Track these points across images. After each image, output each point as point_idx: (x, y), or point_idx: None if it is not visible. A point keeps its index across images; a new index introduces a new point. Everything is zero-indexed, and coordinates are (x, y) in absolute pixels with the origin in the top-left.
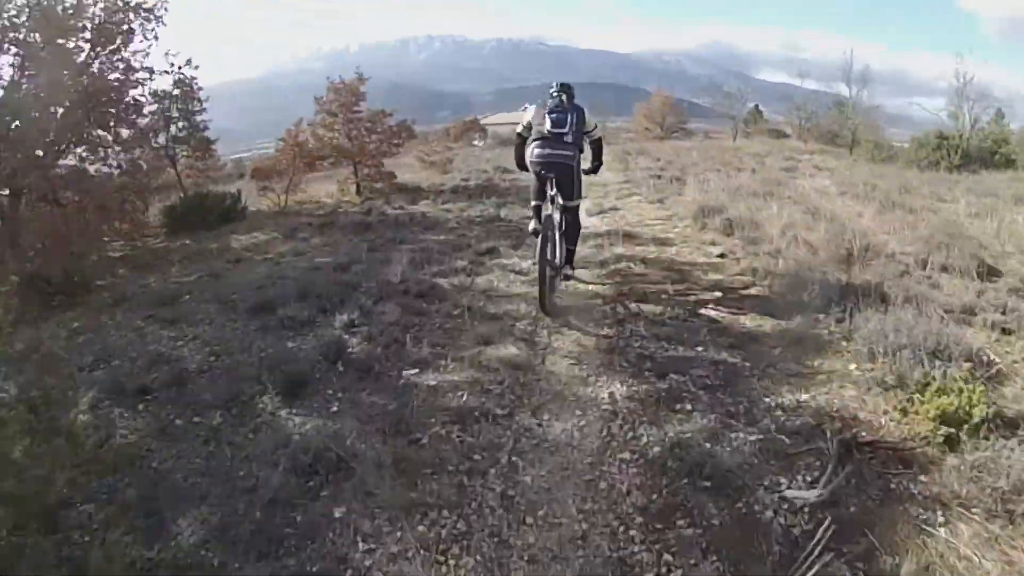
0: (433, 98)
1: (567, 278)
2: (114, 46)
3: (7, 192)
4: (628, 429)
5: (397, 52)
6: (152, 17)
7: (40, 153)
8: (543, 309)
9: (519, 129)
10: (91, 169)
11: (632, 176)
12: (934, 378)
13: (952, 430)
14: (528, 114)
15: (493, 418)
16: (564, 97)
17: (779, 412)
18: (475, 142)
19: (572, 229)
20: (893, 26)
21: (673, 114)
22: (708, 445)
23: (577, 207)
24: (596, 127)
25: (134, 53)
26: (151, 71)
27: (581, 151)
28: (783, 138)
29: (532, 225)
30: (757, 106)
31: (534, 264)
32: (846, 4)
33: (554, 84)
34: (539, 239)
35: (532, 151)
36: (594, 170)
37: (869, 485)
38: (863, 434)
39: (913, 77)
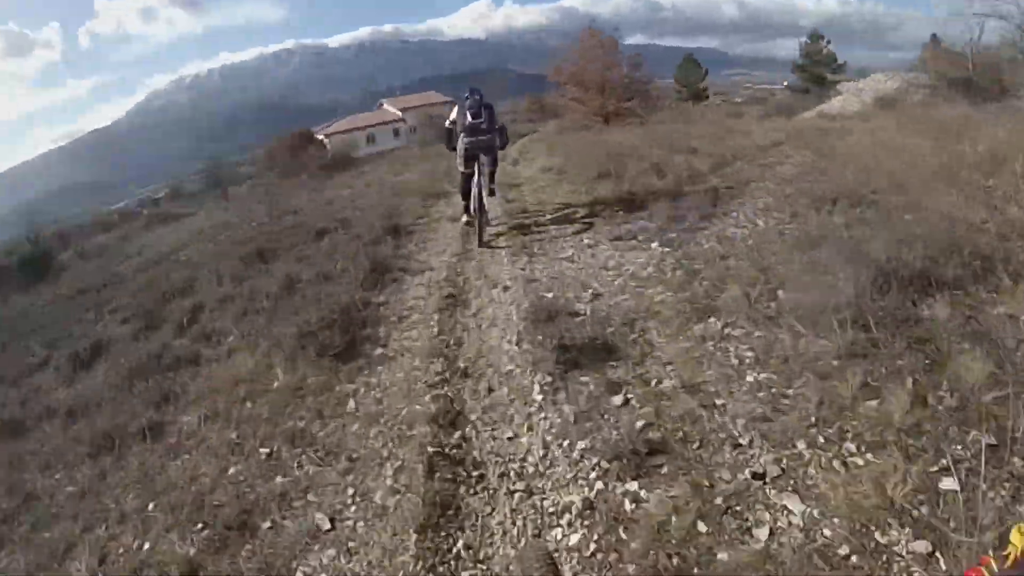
0: (301, 114)
1: (492, 193)
2: None
3: None
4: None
5: (258, 71)
6: None
7: None
8: (480, 243)
9: (447, 124)
10: None
11: None
12: None
13: None
14: (453, 113)
15: None
16: (478, 97)
17: None
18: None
19: (494, 169)
20: None
21: (627, 65)
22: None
23: (495, 168)
24: (499, 117)
25: None
26: None
27: (494, 133)
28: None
29: (462, 187)
30: None
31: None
32: None
33: (468, 91)
34: (472, 197)
35: (463, 140)
36: (501, 146)
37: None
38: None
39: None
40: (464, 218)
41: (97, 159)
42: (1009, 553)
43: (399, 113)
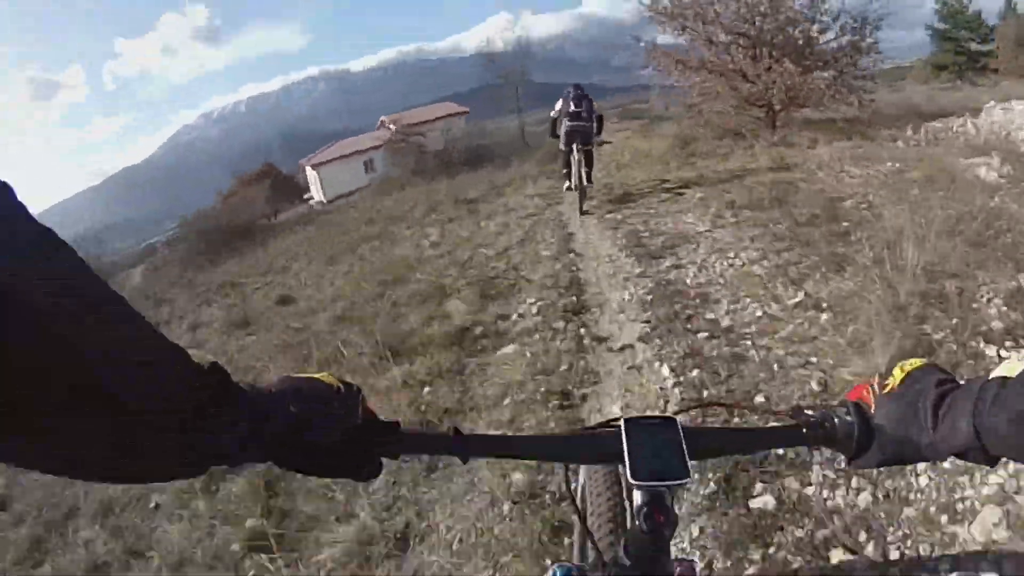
0: (323, 141)
1: (589, 179)
2: None
3: None
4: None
5: (283, 101)
6: None
7: None
8: (581, 211)
9: (553, 114)
10: None
11: None
12: None
13: None
14: (558, 104)
15: None
16: (581, 91)
17: None
18: (310, 199)
19: (590, 160)
20: None
21: None
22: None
23: (592, 149)
24: (597, 108)
25: None
26: None
27: (593, 121)
28: None
29: (564, 161)
30: None
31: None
32: None
33: (572, 86)
34: (572, 174)
35: (565, 124)
36: (598, 132)
37: None
38: None
39: None
40: (566, 184)
41: (132, 196)
42: (889, 383)
43: None
